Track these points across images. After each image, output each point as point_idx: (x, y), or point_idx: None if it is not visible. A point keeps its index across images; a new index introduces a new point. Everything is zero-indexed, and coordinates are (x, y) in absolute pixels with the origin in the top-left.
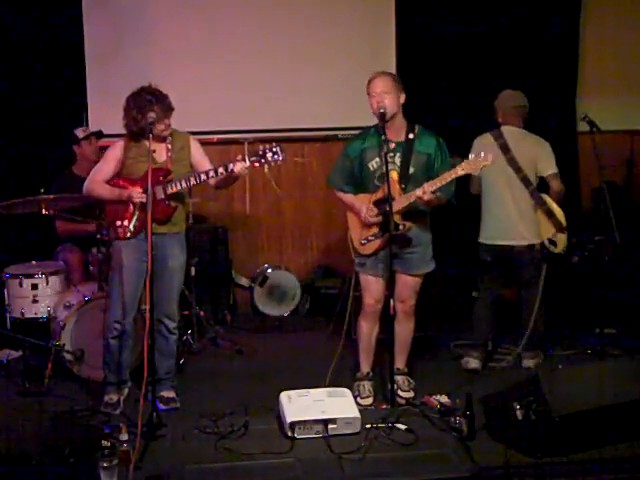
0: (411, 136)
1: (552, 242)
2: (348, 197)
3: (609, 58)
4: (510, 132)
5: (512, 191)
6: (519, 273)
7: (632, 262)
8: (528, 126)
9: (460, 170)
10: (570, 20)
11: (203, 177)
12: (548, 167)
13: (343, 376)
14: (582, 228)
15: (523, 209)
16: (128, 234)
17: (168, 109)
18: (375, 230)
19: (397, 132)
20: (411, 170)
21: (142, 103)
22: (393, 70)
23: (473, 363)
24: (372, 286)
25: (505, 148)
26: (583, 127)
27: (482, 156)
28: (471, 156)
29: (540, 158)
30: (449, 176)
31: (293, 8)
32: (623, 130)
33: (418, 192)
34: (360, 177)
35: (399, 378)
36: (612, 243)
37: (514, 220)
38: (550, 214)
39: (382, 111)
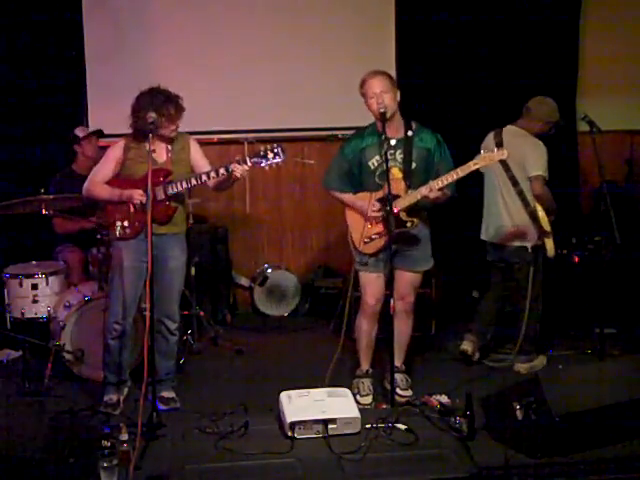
0: (410, 133)
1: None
2: (348, 197)
3: (609, 58)
4: (508, 131)
5: (503, 191)
6: (514, 274)
7: (632, 262)
8: None
9: (473, 165)
10: (570, 20)
11: (204, 178)
12: (533, 168)
13: (343, 376)
14: (582, 228)
15: (514, 210)
16: (128, 234)
17: (181, 110)
18: (379, 229)
19: (396, 129)
20: (413, 165)
21: (156, 102)
22: (393, 70)
23: (466, 345)
24: (373, 285)
25: (500, 146)
26: (583, 127)
27: (496, 150)
28: (483, 151)
29: (527, 158)
30: (462, 171)
31: (293, 8)
32: (623, 130)
33: (424, 190)
34: (359, 177)
35: (397, 376)
36: (612, 243)
37: (505, 220)
38: (533, 217)
39: (383, 111)
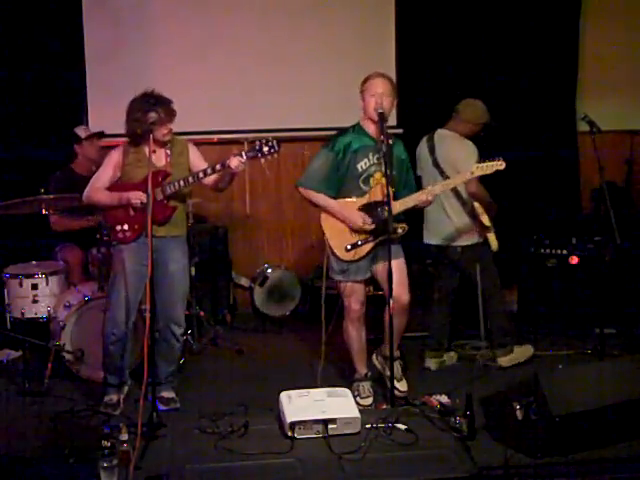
0: (390, 141)
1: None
2: (330, 202)
3: (609, 58)
4: (440, 134)
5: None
6: (465, 273)
7: (632, 262)
8: (529, 125)
9: (470, 174)
10: (570, 20)
11: (201, 175)
12: (464, 168)
13: (339, 377)
14: (582, 228)
15: (453, 210)
16: (128, 237)
17: (171, 113)
18: (364, 235)
19: (380, 135)
20: (394, 172)
21: (146, 106)
22: (393, 70)
23: (427, 362)
24: (357, 291)
25: (432, 150)
26: (583, 127)
27: (496, 160)
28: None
29: (458, 159)
30: (460, 179)
31: (293, 8)
32: (623, 130)
33: (423, 196)
34: (343, 178)
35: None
36: (612, 243)
37: (446, 221)
38: (473, 215)
39: (381, 111)
